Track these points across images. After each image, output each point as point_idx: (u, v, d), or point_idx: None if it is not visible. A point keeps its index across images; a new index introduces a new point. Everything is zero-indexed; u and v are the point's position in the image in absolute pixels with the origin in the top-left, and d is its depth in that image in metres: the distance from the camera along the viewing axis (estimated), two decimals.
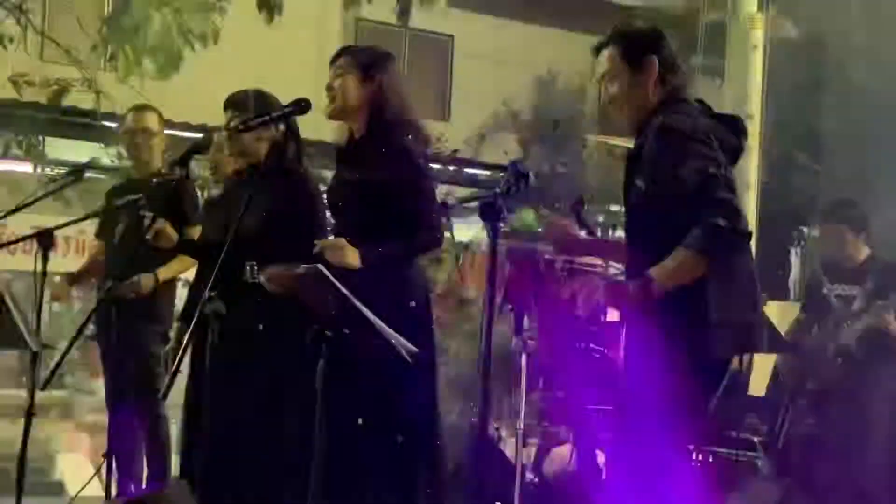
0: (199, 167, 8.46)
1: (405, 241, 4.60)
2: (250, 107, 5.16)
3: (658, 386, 4.05)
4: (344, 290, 3.91)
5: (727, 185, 4.00)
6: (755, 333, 4.23)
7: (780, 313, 8.29)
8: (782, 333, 7.02)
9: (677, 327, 4.03)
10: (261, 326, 4.97)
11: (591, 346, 5.55)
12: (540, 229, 4.49)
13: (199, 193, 6.96)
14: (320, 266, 4.02)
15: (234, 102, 5.27)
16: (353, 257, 4.54)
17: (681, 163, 4.01)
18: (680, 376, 4.00)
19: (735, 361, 6.34)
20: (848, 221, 7.05)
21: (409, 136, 4.71)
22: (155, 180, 6.31)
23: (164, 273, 6.33)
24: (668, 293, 4.00)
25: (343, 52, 4.90)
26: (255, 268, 5.05)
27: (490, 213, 4.06)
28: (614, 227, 9.19)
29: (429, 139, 4.89)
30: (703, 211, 3.94)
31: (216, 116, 5.42)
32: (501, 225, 3.98)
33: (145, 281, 6.25)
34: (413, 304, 4.59)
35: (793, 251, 8.03)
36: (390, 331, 3.92)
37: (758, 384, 7.66)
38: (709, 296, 4.02)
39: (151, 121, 6.63)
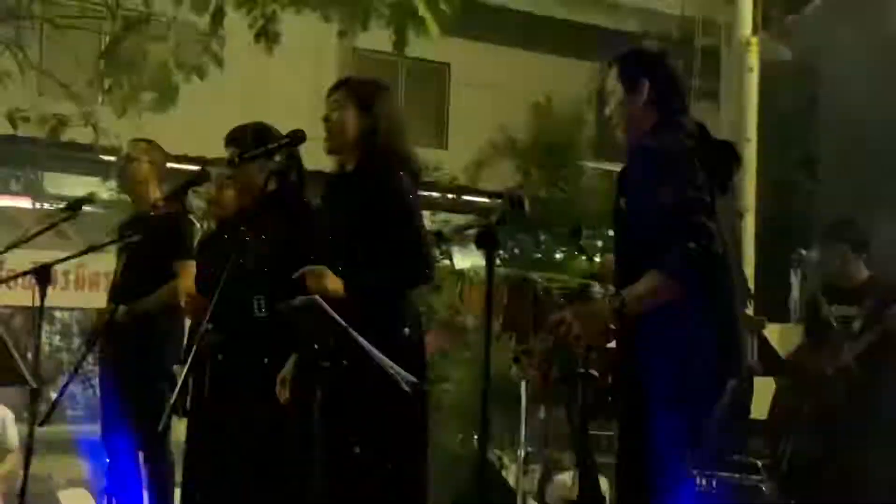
0: (198, 199, 8.48)
1: (392, 273, 4.57)
2: (249, 141, 5.16)
3: (652, 407, 4.07)
4: (341, 321, 3.91)
5: (704, 209, 4.00)
6: (734, 356, 4.22)
7: (780, 335, 8.28)
8: (783, 356, 7.00)
9: (660, 350, 4.05)
10: (266, 360, 4.96)
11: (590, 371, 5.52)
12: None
13: (198, 226, 6.95)
14: (317, 297, 4.02)
15: (234, 138, 5.28)
16: (334, 284, 4.53)
17: (658, 185, 4.04)
18: (670, 400, 4.02)
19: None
20: (848, 241, 7.03)
21: (403, 171, 4.68)
22: (152, 213, 6.29)
23: (141, 305, 6.26)
24: (650, 317, 4.03)
25: (341, 84, 4.88)
26: (262, 302, 5.05)
27: (486, 242, 4.07)
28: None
29: (421, 173, 4.86)
30: (676, 235, 3.96)
31: (214, 148, 5.42)
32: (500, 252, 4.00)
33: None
34: (406, 331, 4.57)
35: (792, 273, 8.01)
36: (388, 361, 3.92)
37: (760, 407, 7.64)
38: (688, 319, 4.03)
39: (142, 153, 6.60)
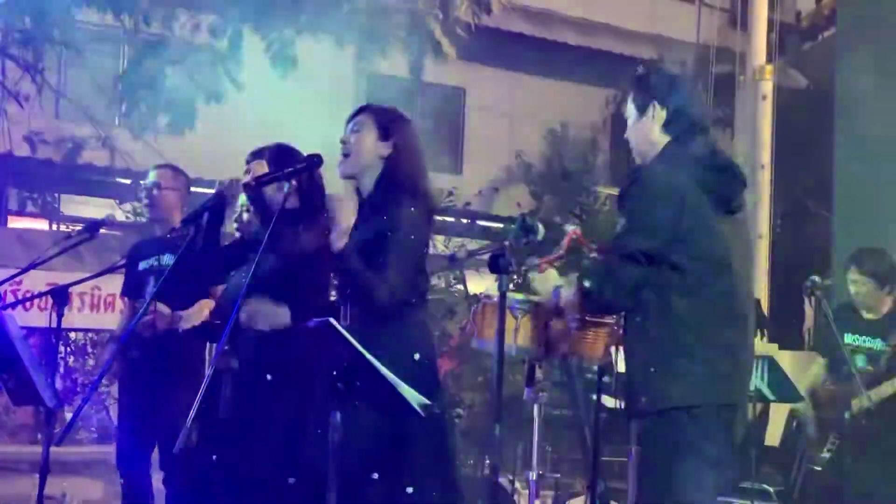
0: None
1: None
2: (272, 158, 5.20)
3: (655, 431, 4.13)
4: (356, 343, 3.93)
5: (625, 252, 4.08)
6: (733, 384, 4.23)
7: (793, 362, 8.27)
8: (795, 383, 6.97)
9: (653, 372, 4.11)
10: (269, 377, 4.98)
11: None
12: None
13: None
14: (331, 320, 4.04)
15: (258, 153, 5.32)
16: (280, 317, 4.68)
17: (621, 213, 4.18)
18: (672, 422, 4.07)
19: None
20: (872, 272, 6.95)
21: (416, 205, 4.66)
22: (169, 235, 6.33)
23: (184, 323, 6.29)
24: (637, 340, 4.16)
25: (362, 109, 4.89)
26: None
27: (499, 265, 4.08)
28: None
29: (435, 210, 4.87)
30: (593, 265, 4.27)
31: (231, 171, 5.44)
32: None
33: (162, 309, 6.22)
34: (417, 356, 4.57)
35: (806, 300, 8.00)
36: (402, 384, 3.93)
37: (773, 434, 7.63)
38: (684, 340, 4.08)
39: (166, 178, 6.64)
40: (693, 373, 4.08)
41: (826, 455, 6.87)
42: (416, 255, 4.62)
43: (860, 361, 6.87)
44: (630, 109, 4.39)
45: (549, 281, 4.53)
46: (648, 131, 4.31)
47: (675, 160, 4.19)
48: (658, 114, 4.30)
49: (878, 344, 6.86)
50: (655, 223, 4.09)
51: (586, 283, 4.11)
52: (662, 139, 4.29)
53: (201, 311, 6.24)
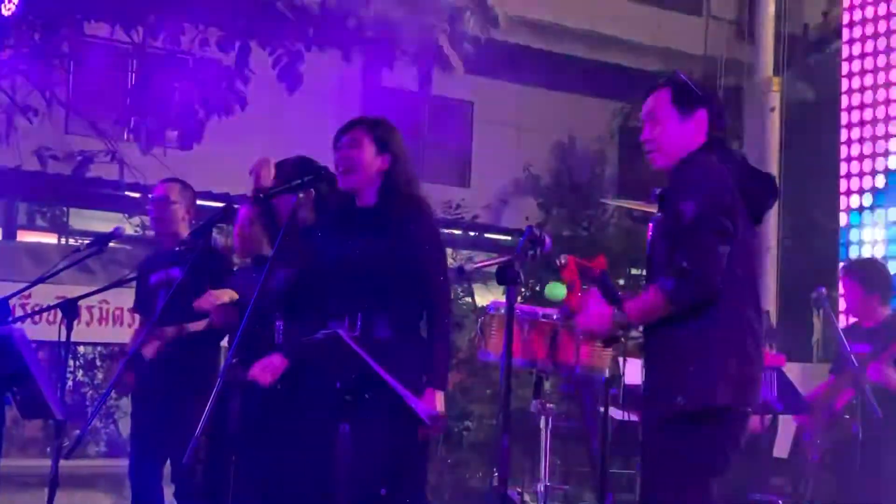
0: (220, 235, 8.54)
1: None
2: (289, 171, 5.23)
3: (667, 440, 4.12)
4: (364, 354, 3.94)
5: (719, 231, 4.03)
6: (748, 387, 4.22)
7: (802, 374, 8.27)
8: (803, 393, 6.98)
9: (675, 376, 4.09)
10: (278, 386, 5.01)
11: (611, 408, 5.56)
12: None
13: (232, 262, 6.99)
14: (340, 331, 4.06)
15: (276, 174, 5.35)
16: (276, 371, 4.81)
17: (685, 197, 4.07)
18: (686, 429, 4.06)
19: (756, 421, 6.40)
20: (864, 281, 7.04)
21: (426, 212, 4.78)
22: (177, 248, 6.33)
23: (192, 325, 6.29)
24: (661, 345, 4.13)
25: (357, 122, 4.95)
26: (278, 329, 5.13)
27: (507, 277, 4.10)
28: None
29: (433, 212, 4.94)
30: (682, 249, 4.01)
31: (238, 185, 5.46)
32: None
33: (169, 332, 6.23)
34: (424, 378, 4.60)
35: (814, 312, 8.01)
36: (409, 394, 3.94)
37: (782, 446, 7.63)
38: (706, 343, 4.07)
39: (174, 192, 6.66)
40: (729, 374, 4.07)
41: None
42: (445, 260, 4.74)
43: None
44: (665, 111, 4.33)
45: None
46: (689, 135, 4.30)
47: (721, 156, 4.20)
48: (701, 120, 4.30)
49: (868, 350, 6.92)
50: (725, 204, 4.06)
51: (684, 264, 3.96)
52: (699, 141, 4.30)
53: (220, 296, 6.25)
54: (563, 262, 4.35)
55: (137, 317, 6.83)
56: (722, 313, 4.07)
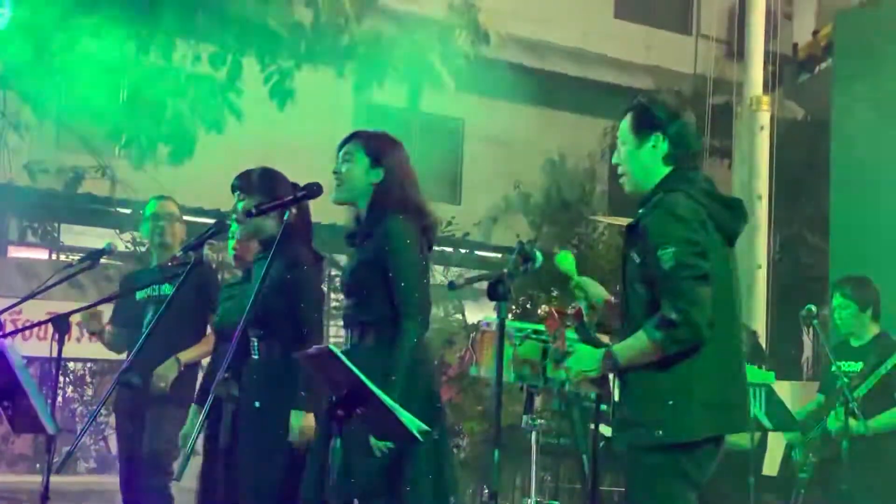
0: (211, 251, 8.54)
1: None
2: (256, 187, 5.25)
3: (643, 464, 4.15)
4: (355, 370, 3.94)
5: (697, 274, 4.04)
6: (733, 413, 4.25)
7: (791, 392, 8.29)
8: (793, 412, 7.01)
9: (655, 406, 4.12)
10: (258, 403, 5.01)
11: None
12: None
13: (218, 277, 7.03)
14: (331, 346, 4.06)
15: (241, 185, 5.35)
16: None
17: (662, 243, 4.09)
18: (660, 456, 4.10)
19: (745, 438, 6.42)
20: (854, 299, 7.07)
21: (409, 219, 4.73)
22: (170, 264, 6.36)
23: (185, 356, 6.37)
24: (639, 376, 4.16)
25: (352, 137, 4.95)
26: (259, 344, 5.15)
27: (497, 293, 4.11)
28: None
29: (436, 226, 4.90)
30: (667, 296, 4.04)
31: (230, 201, 5.48)
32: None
33: (168, 372, 6.29)
34: (418, 383, 4.60)
35: (804, 330, 8.04)
36: (401, 409, 3.95)
37: (772, 463, 7.65)
38: (686, 374, 4.09)
39: (168, 207, 6.74)
40: (711, 404, 4.10)
41: (804, 476, 6.98)
42: (420, 263, 4.70)
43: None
44: (626, 136, 4.37)
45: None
46: (649, 161, 4.32)
47: (686, 194, 4.20)
48: (660, 145, 4.31)
49: (858, 367, 6.93)
50: (700, 246, 4.10)
51: (672, 315, 4.01)
52: (661, 170, 4.31)
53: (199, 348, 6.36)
54: (545, 311, 4.42)
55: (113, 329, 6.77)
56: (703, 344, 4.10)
